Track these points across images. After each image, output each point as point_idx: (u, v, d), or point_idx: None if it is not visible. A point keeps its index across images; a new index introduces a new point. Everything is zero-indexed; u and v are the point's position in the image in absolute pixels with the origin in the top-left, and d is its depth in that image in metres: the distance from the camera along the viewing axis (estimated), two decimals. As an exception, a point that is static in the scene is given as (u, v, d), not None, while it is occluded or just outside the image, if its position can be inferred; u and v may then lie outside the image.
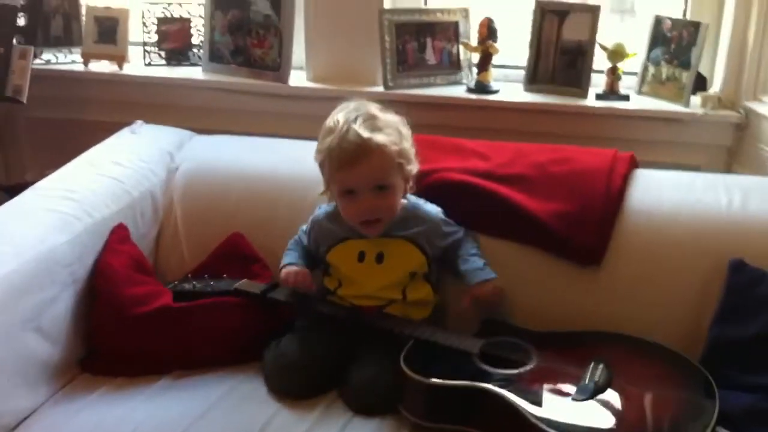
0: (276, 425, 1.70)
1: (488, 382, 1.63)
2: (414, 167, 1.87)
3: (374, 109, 1.85)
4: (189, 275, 2.07)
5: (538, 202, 1.95)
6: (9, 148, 2.74)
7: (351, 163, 1.78)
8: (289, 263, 1.94)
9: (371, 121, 1.81)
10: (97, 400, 1.79)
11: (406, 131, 1.87)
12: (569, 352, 1.76)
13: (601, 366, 1.68)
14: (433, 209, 1.94)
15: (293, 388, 1.79)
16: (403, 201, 1.91)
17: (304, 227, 1.99)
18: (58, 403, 1.78)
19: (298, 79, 2.46)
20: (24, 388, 1.73)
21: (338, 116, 1.82)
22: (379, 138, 1.79)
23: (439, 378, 1.65)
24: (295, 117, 1.92)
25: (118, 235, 1.98)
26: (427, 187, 1.97)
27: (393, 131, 1.83)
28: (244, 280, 1.98)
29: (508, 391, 1.61)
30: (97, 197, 2.02)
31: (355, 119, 1.80)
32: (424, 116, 2.34)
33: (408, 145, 1.86)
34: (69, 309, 1.85)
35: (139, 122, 2.35)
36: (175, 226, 2.17)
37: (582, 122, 2.32)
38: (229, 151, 2.27)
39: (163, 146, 2.27)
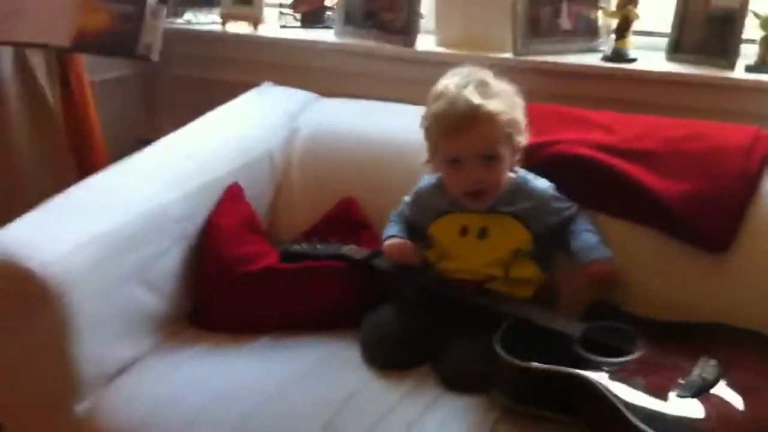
0: (365, 394, 1.67)
1: (585, 370, 1.53)
2: (524, 139, 1.78)
3: (487, 76, 1.77)
4: (300, 237, 2.07)
5: (665, 180, 1.80)
6: (152, 105, 2.84)
7: (459, 129, 1.71)
8: (392, 236, 1.89)
9: (483, 88, 1.73)
10: (199, 354, 1.83)
11: (519, 101, 1.77)
12: (681, 344, 1.62)
13: (712, 362, 1.54)
14: (543, 184, 1.83)
15: (387, 360, 1.75)
16: (511, 175, 1.82)
17: (407, 198, 1.94)
18: (161, 354, 1.83)
19: (426, 43, 2.38)
20: (128, 338, 1.79)
21: (448, 81, 1.75)
22: (491, 105, 1.71)
23: (533, 361, 1.56)
24: (422, 82, 1.85)
25: (232, 193, 2.00)
26: (543, 161, 1.86)
27: (505, 99, 1.75)
28: (351, 246, 1.96)
29: (606, 380, 1.50)
30: (215, 156, 2.04)
31: (467, 85, 1.73)
32: (554, 85, 2.22)
33: (520, 115, 1.76)
34: (178, 264, 1.89)
35: (267, 83, 2.37)
36: (291, 188, 2.17)
37: (728, 96, 2.12)
38: (352, 115, 2.24)
39: (287, 108, 2.27)
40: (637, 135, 1.89)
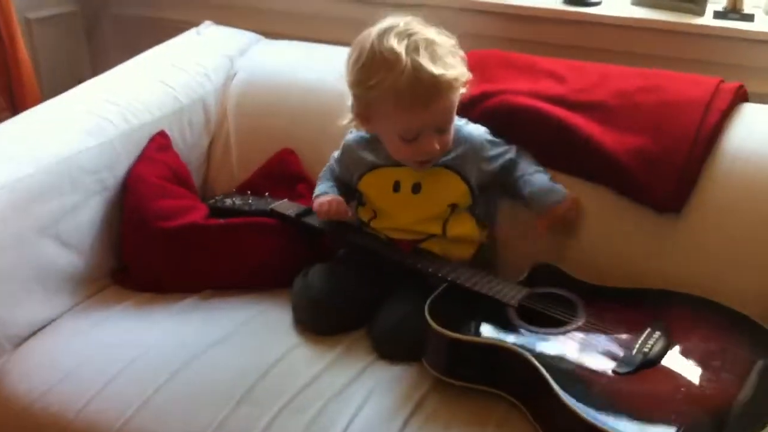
0: (291, 360, 1.57)
1: (516, 342, 1.43)
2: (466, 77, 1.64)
3: (425, 29, 1.59)
4: (233, 191, 1.95)
5: (616, 135, 1.68)
6: (94, 45, 2.69)
7: (424, 104, 1.55)
8: (322, 193, 1.76)
9: (433, 49, 1.55)
10: (119, 314, 1.73)
11: (455, 44, 1.62)
12: (625, 313, 1.51)
13: (657, 333, 1.44)
14: (475, 130, 1.71)
15: (317, 324, 1.65)
16: None
17: (336, 154, 1.80)
18: (78, 314, 1.73)
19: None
20: (41, 296, 1.68)
21: (391, 43, 1.54)
22: (451, 72, 1.55)
23: (463, 331, 1.46)
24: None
25: (158, 143, 1.87)
26: (484, 112, 1.74)
27: (456, 57, 1.59)
28: (283, 201, 1.84)
29: (538, 354, 1.40)
30: (141, 102, 1.91)
31: (416, 49, 1.54)
32: (509, 29, 2.09)
33: (463, 64, 1.61)
34: (96, 218, 1.77)
35: (207, 23, 2.22)
36: (227, 138, 2.04)
37: (694, 44, 1.99)
38: (295, 59, 2.10)
39: (226, 50, 2.12)
40: (589, 85, 1.76)
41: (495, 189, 1.73)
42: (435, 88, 1.53)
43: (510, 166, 1.71)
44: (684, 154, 1.63)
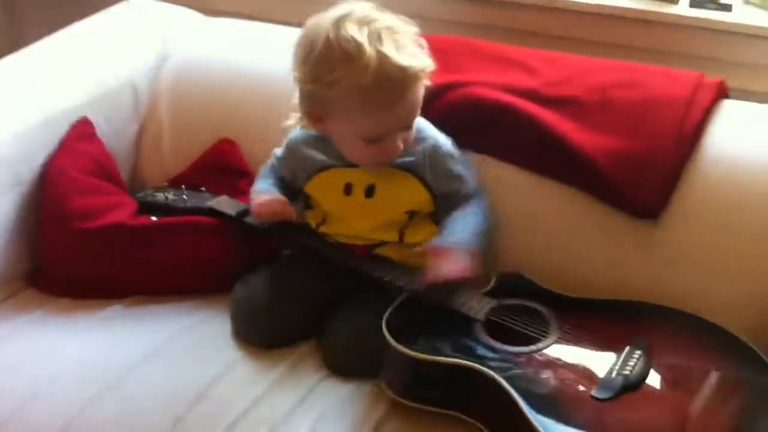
0: (229, 379, 1.39)
1: (484, 362, 1.28)
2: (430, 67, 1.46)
3: (385, 16, 1.40)
4: (165, 185, 1.76)
5: (591, 133, 1.53)
6: (14, 16, 2.46)
7: (393, 102, 1.37)
8: (262, 191, 1.58)
9: (396, 38, 1.37)
10: (31, 324, 1.53)
11: (415, 33, 1.43)
12: (602, 328, 1.37)
13: (638, 352, 1.30)
14: (441, 137, 1.53)
15: (259, 336, 1.47)
16: None
17: (279, 151, 1.61)
18: (-17, 324, 1.53)
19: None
20: (-60, 303, 1.47)
21: (350, 32, 1.35)
22: (418, 63, 1.37)
23: (425, 349, 1.30)
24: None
25: (79, 131, 1.66)
26: (449, 105, 1.57)
27: (418, 45, 1.41)
28: (222, 197, 1.65)
29: (508, 376, 1.25)
30: (60, 84, 1.70)
31: (379, 38, 1.35)
32: (470, 13, 1.94)
33: (426, 53, 1.43)
34: (10, 215, 1.56)
35: (138, -4, 2.01)
36: (159, 126, 1.83)
37: (669, 35, 1.87)
38: (236, 40, 1.89)
39: (159, 28, 1.91)
40: (562, 78, 1.61)
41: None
42: (403, 82, 1.36)
43: (458, 197, 1.51)
44: (664, 156, 1.49)
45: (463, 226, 1.47)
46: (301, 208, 1.57)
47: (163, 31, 1.91)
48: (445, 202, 1.51)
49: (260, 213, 1.54)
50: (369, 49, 1.33)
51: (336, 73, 1.35)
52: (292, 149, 1.57)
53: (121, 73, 1.79)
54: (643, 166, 1.49)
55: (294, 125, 1.53)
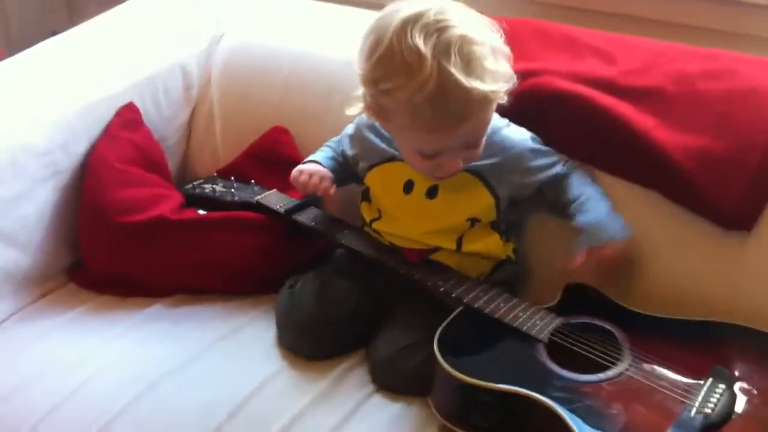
0: (270, 391, 1.31)
1: (545, 391, 1.15)
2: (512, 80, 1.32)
3: (463, 20, 1.24)
4: (215, 175, 1.67)
5: (674, 130, 1.38)
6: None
7: (450, 126, 1.24)
8: (313, 160, 1.47)
9: (469, 51, 1.21)
10: (71, 321, 1.47)
11: (494, 36, 1.28)
12: (679, 354, 1.23)
13: (721, 386, 1.16)
14: (516, 134, 1.40)
15: (303, 349, 1.38)
16: None
17: (350, 129, 1.50)
18: (24, 320, 1.47)
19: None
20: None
21: (416, 40, 1.20)
22: (489, 85, 1.23)
23: (477, 374, 1.18)
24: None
25: (124, 118, 1.57)
26: (520, 96, 1.42)
27: (498, 58, 1.27)
28: (272, 192, 1.56)
29: (572, 408, 1.12)
30: (106, 68, 1.61)
31: (447, 51, 1.20)
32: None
33: (507, 66, 1.29)
34: (47, 208, 1.49)
35: (193, -27, 1.90)
36: (210, 112, 1.74)
37: (761, 18, 1.68)
38: (294, 18, 1.79)
39: (213, 8, 1.81)
40: (642, 67, 1.45)
41: (531, 203, 1.43)
42: (466, 105, 1.22)
43: (557, 183, 1.40)
44: (757, 158, 1.32)
45: (601, 212, 1.35)
46: (360, 199, 1.47)
47: (217, 10, 1.81)
48: (547, 191, 1.40)
49: (296, 179, 1.44)
50: (431, 64, 1.19)
51: (392, 82, 1.22)
52: (359, 131, 1.46)
53: (170, 56, 1.69)
54: (733, 169, 1.33)
55: (357, 115, 1.41)
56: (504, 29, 1.34)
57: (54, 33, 1.76)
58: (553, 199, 1.41)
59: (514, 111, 1.41)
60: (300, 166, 1.46)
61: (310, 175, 1.43)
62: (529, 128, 1.42)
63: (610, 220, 1.35)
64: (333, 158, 1.50)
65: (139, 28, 1.73)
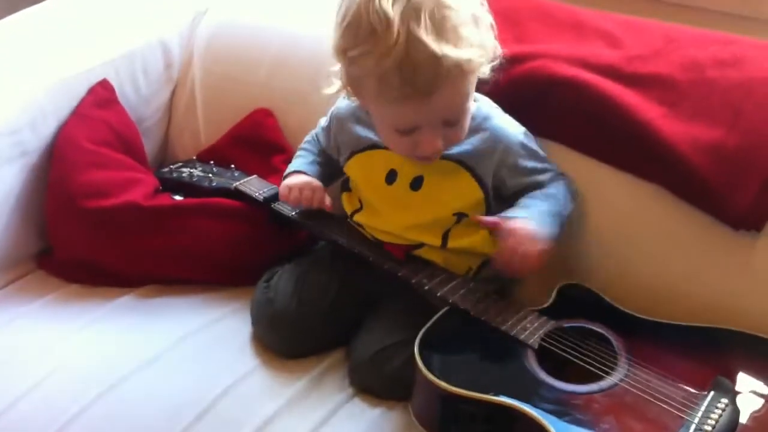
0: (243, 391, 1.23)
1: (534, 402, 1.06)
2: (495, 53, 1.22)
3: None
4: (194, 159, 1.58)
5: (682, 121, 1.28)
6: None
7: (419, 96, 1.14)
8: (296, 171, 1.38)
9: (443, 16, 1.12)
10: (38, 310, 1.40)
11: (480, 8, 1.19)
12: (679, 363, 1.14)
13: (724, 401, 1.06)
14: (511, 126, 1.30)
15: (280, 346, 1.30)
16: (471, 104, 1.30)
17: (323, 121, 1.41)
18: (-12, 307, 1.40)
19: None
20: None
21: (384, 4, 1.11)
22: (459, 52, 1.12)
23: (460, 382, 1.09)
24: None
25: (97, 95, 1.49)
26: (514, 82, 1.33)
27: (479, 25, 1.17)
28: (252, 178, 1.48)
29: (561, 423, 1.03)
30: (80, 41, 1.53)
31: (417, 15, 1.10)
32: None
33: (489, 38, 1.19)
34: (12, 191, 1.42)
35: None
36: (191, 92, 1.65)
37: None
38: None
39: (198, -21, 1.72)
40: (650, 52, 1.35)
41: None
42: (436, 74, 1.11)
43: (534, 188, 1.29)
44: (769, 154, 1.23)
45: (536, 204, 1.25)
46: (338, 190, 1.38)
47: (202, -17, 1.72)
48: (510, 199, 1.29)
49: (287, 197, 1.35)
50: (398, 28, 1.09)
51: (359, 49, 1.13)
52: (337, 119, 1.36)
53: (150, 31, 1.61)
54: (745, 165, 1.23)
55: (335, 93, 1.31)
56: (498, 8, 1.25)
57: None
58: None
59: (509, 98, 1.32)
60: (286, 182, 1.36)
61: (300, 190, 1.34)
62: (524, 116, 1.32)
63: (541, 215, 1.23)
64: (314, 162, 1.41)
65: (118, 1, 1.63)
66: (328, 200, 1.35)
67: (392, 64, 1.10)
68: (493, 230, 1.23)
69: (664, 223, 1.29)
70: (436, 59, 1.10)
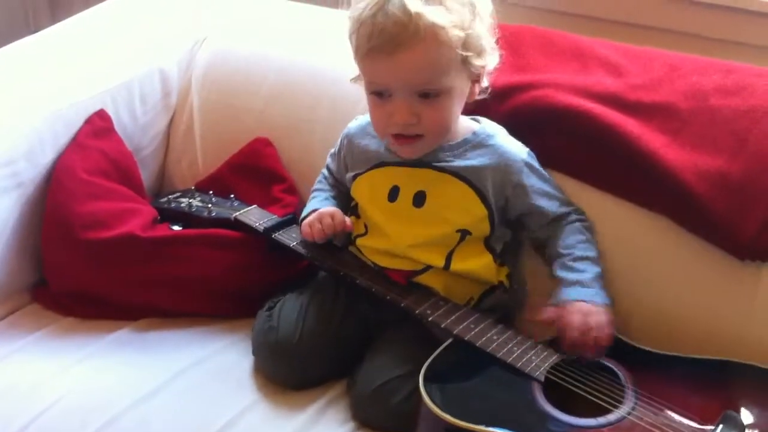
0: (244, 426, 1.21)
1: (542, 435, 1.05)
2: (490, 61, 1.24)
3: None
4: (193, 188, 1.57)
5: (686, 150, 1.27)
6: None
7: (385, 50, 1.17)
8: (312, 210, 1.36)
9: None
10: (32, 345, 1.37)
11: (484, 5, 1.22)
12: (686, 397, 1.12)
13: (734, 433, 1.05)
14: (513, 145, 1.30)
15: (281, 378, 1.28)
16: (474, 124, 1.29)
17: (333, 149, 1.41)
18: (-20, 342, 1.37)
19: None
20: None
21: None
22: (436, 15, 1.16)
23: (466, 416, 1.07)
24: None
25: (94, 125, 1.47)
26: (517, 111, 1.33)
27: (464, 10, 1.19)
28: (251, 208, 1.46)
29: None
30: (78, 70, 1.51)
31: None
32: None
33: (483, 27, 1.22)
34: (7, 222, 1.39)
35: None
36: (190, 120, 1.64)
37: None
38: (281, 20, 1.68)
39: (199, 8, 1.71)
40: (652, 80, 1.35)
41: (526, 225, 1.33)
42: (404, 30, 1.15)
43: (549, 223, 1.29)
44: (775, 183, 1.22)
45: (583, 273, 1.23)
46: (348, 214, 1.37)
47: (200, 12, 1.71)
48: (518, 225, 1.30)
49: (311, 234, 1.33)
50: None
51: (354, 6, 1.20)
52: (348, 138, 1.37)
53: (148, 59, 1.60)
54: (750, 195, 1.23)
55: (353, 79, 1.30)
56: (502, 36, 1.25)
57: (35, 31, 1.66)
58: (542, 237, 1.31)
59: (512, 126, 1.33)
60: (306, 221, 1.35)
61: (320, 220, 1.33)
62: (527, 145, 1.32)
63: (587, 280, 1.23)
64: (328, 198, 1.40)
65: (116, 30, 1.62)
66: (348, 220, 1.34)
67: (368, 14, 1.16)
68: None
69: (669, 253, 1.29)
70: (407, 15, 1.14)
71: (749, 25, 1.62)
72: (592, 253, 1.26)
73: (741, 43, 1.61)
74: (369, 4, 1.18)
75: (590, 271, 1.24)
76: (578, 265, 1.24)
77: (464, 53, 1.19)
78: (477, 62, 1.22)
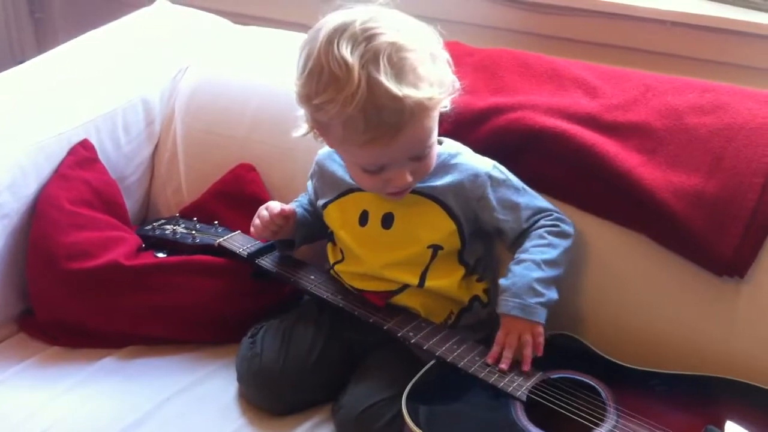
0: (229, 453, 1.21)
1: (524, 456, 1.06)
2: (454, 90, 1.23)
3: (395, 25, 1.16)
4: (177, 215, 1.57)
5: (662, 169, 1.29)
6: (41, 20, 2.31)
7: (386, 138, 1.15)
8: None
9: (400, 58, 1.13)
10: (17, 375, 1.38)
11: (435, 45, 1.21)
12: (668, 413, 1.13)
13: (714, 449, 1.06)
14: (476, 160, 1.30)
15: (267, 403, 1.29)
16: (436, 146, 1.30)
17: (310, 171, 1.42)
18: (-35, 374, 1.37)
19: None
20: None
21: (342, 51, 1.12)
22: (423, 91, 1.14)
23: (458, 422, 1.08)
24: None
25: (77, 156, 1.49)
26: (494, 133, 1.35)
27: (436, 61, 1.19)
28: (235, 234, 1.47)
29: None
30: (61, 101, 1.52)
31: (375, 60, 1.12)
32: (525, 21, 1.70)
33: (444, 66, 1.21)
34: (-6, 252, 1.40)
35: (163, 1, 1.82)
36: (173, 148, 1.65)
37: (758, 48, 1.60)
38: (261, 50, 1.70)
39: (179, 37, 1.73)
40: (628, 100, 1.36)
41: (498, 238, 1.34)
42: (399, 115, 1.13)
43: (516, 235, 1.30)
44: (753, 199, 1.23)
45: (519, 277, 1.23)
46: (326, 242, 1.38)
47: (183, 39, 1.73)
48: (496, 236, 1.31)
49: (254, 233, 1.37)
50: (358, 74, 1.11)
51: (323, 96, 1.14)
52: (318, 163, 1.38)
53: (131, 89, 1.61)
54: (726, 211, 1.24)
55: (303, 135, 1.30)
56: (478, 60, 1.26)
57: (21, 61, 1.68)
58: (515, 248, 1.30)
59: (490, 149, 1.34)
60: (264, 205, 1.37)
61: (257, 216, 1.36)
62: (505, 167, 1.32)
63: (522, 290, 1.22)
64: (299, 205, 1.42)
65: (99, 60, 1.64)
66: (286, 207, 1.36)
67: (356, 109, 1.12)
68: None
69: (649, 271, 1.30)
70: (398, 101, 1.12)
71: (729, 45, 1.64)
72: (541, 256, 1.25)
73: (722, 62, 1.64)
74: (345, 99, 1.12)
75: (525, 276, 1.23)
76: (516, 268, 1.25)
77: (442, 107, 1.21)
78: (445, 104, 1.23)
